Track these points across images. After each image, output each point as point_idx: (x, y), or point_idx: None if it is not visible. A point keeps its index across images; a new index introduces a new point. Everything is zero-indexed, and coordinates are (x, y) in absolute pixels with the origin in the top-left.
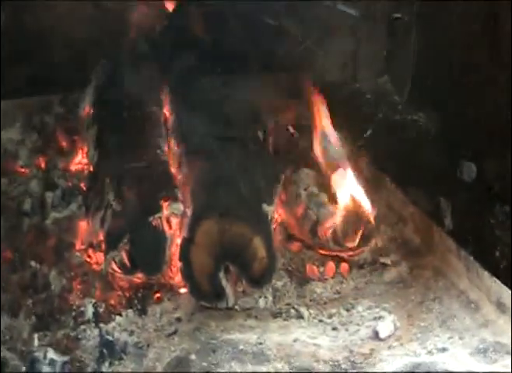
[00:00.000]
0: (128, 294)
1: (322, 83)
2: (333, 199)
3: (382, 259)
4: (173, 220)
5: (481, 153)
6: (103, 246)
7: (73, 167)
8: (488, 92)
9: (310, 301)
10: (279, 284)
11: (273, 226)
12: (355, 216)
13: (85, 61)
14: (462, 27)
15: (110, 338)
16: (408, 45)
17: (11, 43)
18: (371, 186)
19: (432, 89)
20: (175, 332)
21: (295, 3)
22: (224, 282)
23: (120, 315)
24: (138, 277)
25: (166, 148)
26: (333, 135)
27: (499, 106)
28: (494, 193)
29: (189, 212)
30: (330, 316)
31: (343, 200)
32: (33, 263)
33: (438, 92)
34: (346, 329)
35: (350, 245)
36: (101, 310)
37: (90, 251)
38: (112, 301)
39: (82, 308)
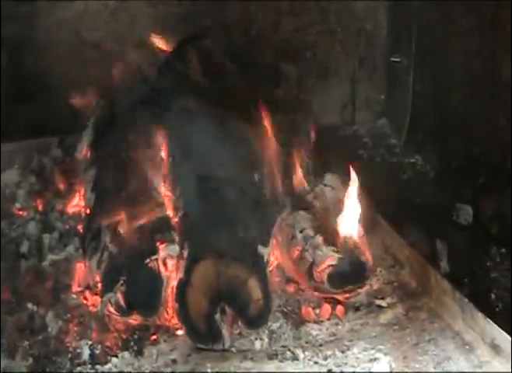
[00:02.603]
0: (124, 336)
1: (320, 125)
2: (329, 241)
3: (378, 302)
4: (169, 262)
5: (478, 196)
6: (100, 288)
7: (70, 209)
8: (485, 135)
9: (306, 342)
10: (275, 325)
11: (269, 268)
12: (351, 258)
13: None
14: (460, 70)
15: None
16: (406, 88)
17: (9, 86)
18: (368, 228)
19: (429, 133)
20: None
21: (293, 46)
22: (220, 324)
23: (116, 356)
24: (135, 319)
25: (162, 190)
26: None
27: (496, 149)
28: (490, 235)
29: (185, 254)
30: (325, 358)
31: (340, 243)
32: (30, 305)
33: (435, 135)
34: (342, 371)
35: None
36: (97, 351)
37: (87, 293)
38: (108, 343)
39: (78, 350)
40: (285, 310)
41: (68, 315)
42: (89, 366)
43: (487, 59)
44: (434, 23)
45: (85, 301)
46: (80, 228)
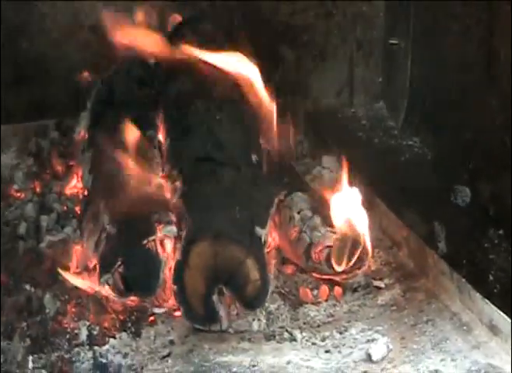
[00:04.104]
0: (121, 317)
1: (318, 108)
2: (327, 222)
3: (376, 283)
4: (166, 243)
5: (475, 177)
6: (97, 269)
7: (68, 191)
8: (482, 116)
9: (304, 323)
10: (273, 306)
11: (266, 249)
12: (349, 239)
13: (81, 85)
14: (457, 52)
15: (104, 360)
16: (403, 70)
17: (6, 68)
18: (366, 210)
19: (427, 114)
20: (169, 355)
21: (291, 28)
22: (218, 305)
23: (114, 337)
24: (132, 300)
25: (159, 172)
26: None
27: (493, 131)
28: (488, 217)
29: (183, 235)
30: (323, 339)
31: (337, 224)
32: (27, 287)
33: (433, 117)
34: (339, 352)
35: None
36: (95, 333)
37: (84, 274)
38: (106, 324)
39: (76, 331)
40: (282, 291)
41: (66, 297)
42: (87, 347)
43: (484, 42)
44: (431, 6)
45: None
46: (78, 209)
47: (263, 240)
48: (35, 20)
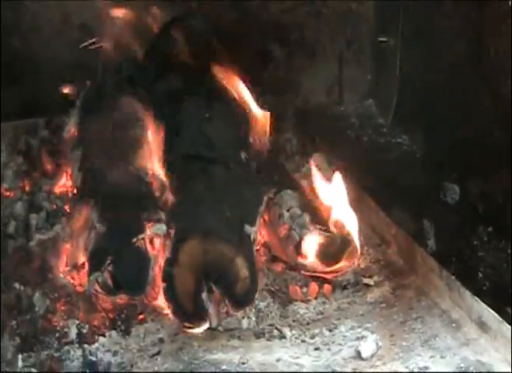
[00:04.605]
0: (111, 315)
1: (308, 106)
2: (316, 220)
3: (365, 280)
4: (156, 241)
5: (464, 175)
6: (87, 268)
7: (57, 189)
8: (471, 114)
9: (293, 321)
10: (262, 304)
11: (256, 247)
12: (338, 237)
13: (71, 84)
14: (446, 50)
15: (94, 359)
16: (392, 68)
17: None
18: (355, 208)
19: (416, 112)
20: (158, 353)
21: (280, 26)
22: (207, 303)
23: (103, 335)
24: (122, 298)
25: (149, 170)
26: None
27: (482, 129)
28: (477, 214)
29: (172, 233)
30: (312, 336)
31: (327, 221)
32: (17, 285)
33: (422, 115)
34: (329, 349)
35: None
36: (85, 331)
37: (74, 272)
38: (96, 322)
39: (65, 329)
40: (272, 289)
41: (56, 295)
42: (77, 345)
43: (474, 40)
44: (421, 4)
45: (72, 281)
46: (67, 207)
47: (252, 238)
48: (26, 19)
